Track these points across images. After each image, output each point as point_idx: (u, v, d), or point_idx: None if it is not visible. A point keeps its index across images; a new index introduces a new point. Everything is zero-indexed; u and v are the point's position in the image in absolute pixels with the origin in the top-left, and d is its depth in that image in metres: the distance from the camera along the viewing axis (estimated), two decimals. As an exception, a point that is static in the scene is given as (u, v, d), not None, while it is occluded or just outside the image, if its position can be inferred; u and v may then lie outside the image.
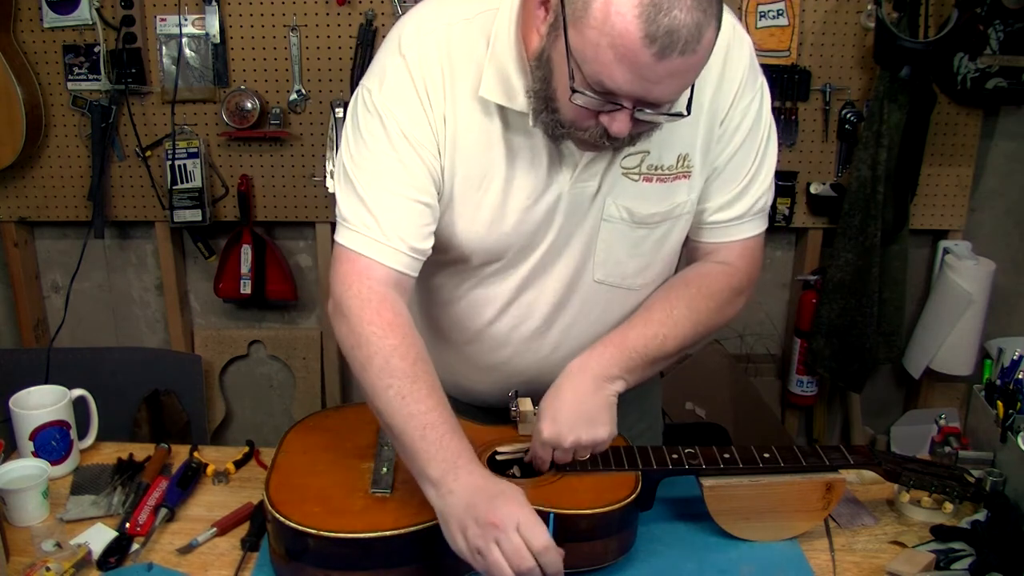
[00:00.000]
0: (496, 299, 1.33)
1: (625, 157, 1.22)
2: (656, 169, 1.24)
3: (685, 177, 1.26)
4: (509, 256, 1.29)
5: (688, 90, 1.08)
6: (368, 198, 1.20)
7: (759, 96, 1.26)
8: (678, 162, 1.25)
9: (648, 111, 1.06)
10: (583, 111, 1.08)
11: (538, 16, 1.10)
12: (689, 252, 1.41)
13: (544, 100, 1.12)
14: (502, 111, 1.20)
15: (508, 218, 1.25)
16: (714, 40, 1.02)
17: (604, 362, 1.26)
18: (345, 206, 1.23)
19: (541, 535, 1.05)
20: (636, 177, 1.24)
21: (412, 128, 1.19)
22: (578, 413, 1.23)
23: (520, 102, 1.16)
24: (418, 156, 1.20)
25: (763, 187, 1.32)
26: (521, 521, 1.05)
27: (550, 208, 1.24)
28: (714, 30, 1.01)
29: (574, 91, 1.05)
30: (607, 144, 1.12)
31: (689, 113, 1.09)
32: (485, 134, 1.21)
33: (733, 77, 1.23)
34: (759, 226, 1.35)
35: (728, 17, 1.22)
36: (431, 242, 1.24)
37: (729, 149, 1.27)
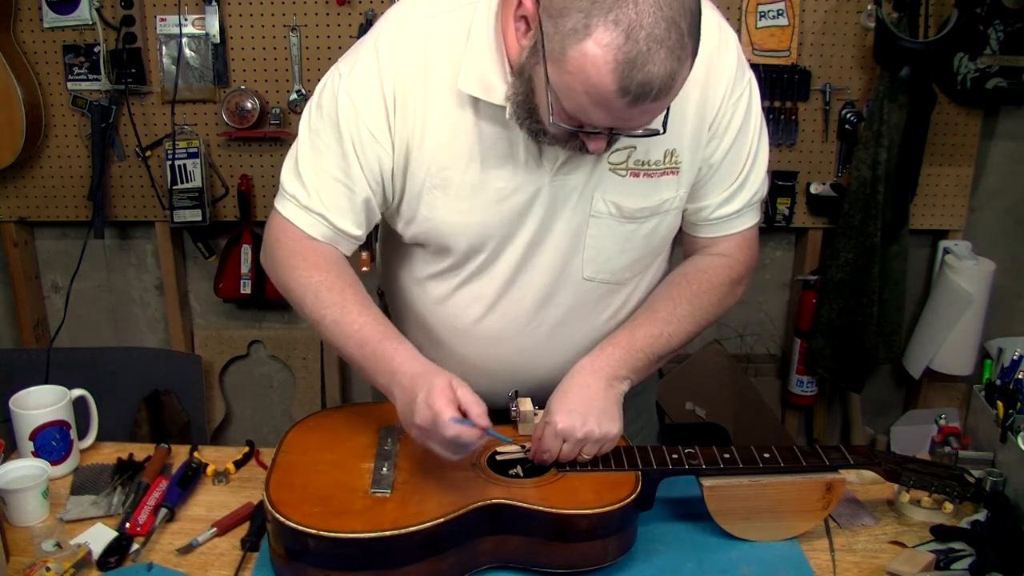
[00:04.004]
0: (483, 296, 1.35)
1: (612, 153, 1.25)
2: (643, 164, 1.26)
3: (672, 173, 1.28)
4: (490, 247, 1.31)
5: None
6: (303, 171, 1.28)
7: (748, 91, 1.29)
8: (665, 158, 1.27)
9: (624, 133, 1.12)
10: (563, 130, 1.12)
11: (518, 28, 1.12)
12: (687, 245, 1.44)
13: (527, 111, 1.15)
14: (478, 102, 1.22)
15: (486, 207, 1.27)
16: (689, 71, 1.05)
17: (613, 362, 1.29)
18: (285, 170, 1.31)
19: (446, 427, 1.13)
20: (623, 172, 1.26)
21: (367, 120, 1.23)
22: (591, 408, 1.25)
23: (497, 96, 1.18)
24: (362, 149, 1.24)
25: (759, 179, 1.35)
26: (436, 419, 1.13)
27: (529, 198, 1.26)
28: (689, 67, 1.04)
29: (552, 121, 1.09)
30: (588, 152, 1.16)
31: (664, 131, 1.12)
32: (461, 125, 1.23)
33: (721, 76, 1.25)
34: (755, 217, 1.39)
35: (713, 15, 1.24)
36: (359, 230, 1.30)
37: (724, 145, 1.29)
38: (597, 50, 0.99)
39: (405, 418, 1.19)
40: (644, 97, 1.01)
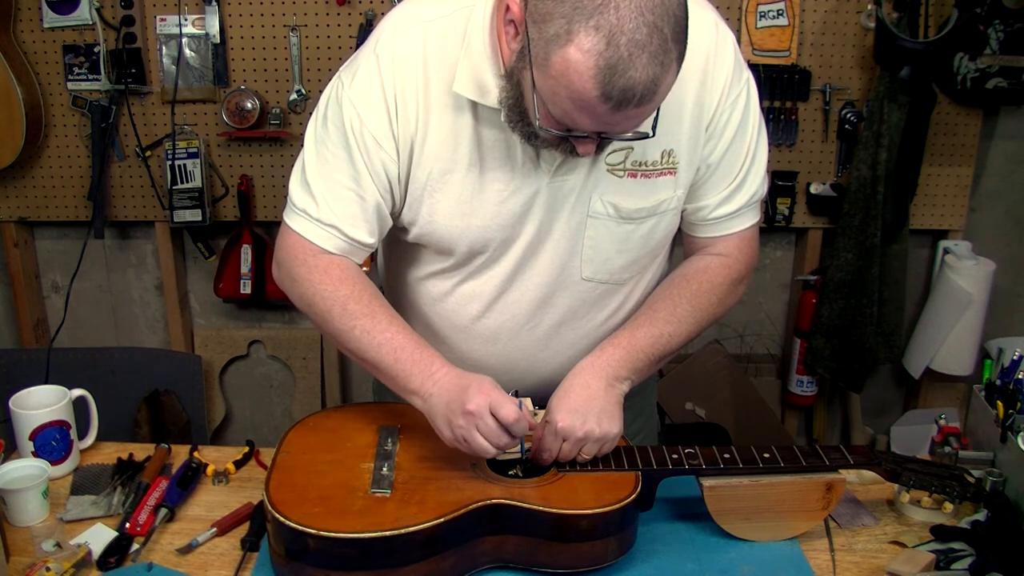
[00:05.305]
0: (482, 294, 1.35)
1: (610, 154, 1.25)
2: (640, 165, 1.27)
3: (670, 174, 1.28)
4: (491, 249, 1.31)
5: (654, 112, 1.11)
6: (312, 183, 1.27)
7: (745, 91, 1.29)
8: (662, 158, 1.27)
9: (613, 137, 1.13)
10: (552, 134, 1.12)
11: (507, 32, 1.13)
12: (687, 245, 1.44)
13: (518, 114, 1.15)
14: (476, 105, 1.22)
15: (486, 208, 1.27)
16: (675, 77, 1.05)
17: (614, 363, 1.29)
18: (292, 184, 1.31)
19: (510, 411, 1.17)
20: (621, 173, 1.27)
21: (371, 127, 1.23)
22: (591, 407, 1.25)
23: (492, 98, 1.19)
24: (368, 156, 1.24)
25: (758, 179, 1.35)
26: (492, 403, 1.17)
27: (528, 200, 1.27)
28: (674, 72, 1.04)
29: (539, 126, 1.10)
30: (579, 156, 1.16)
31: (654, 135, 1.13)
32: (459, 128, 1.24)
33: (718, 76, 1.25)
34: (754, 216, 1.39)
35: (709, 15, 1.24)
36: (372, 238, 1.30)
37: (721, 146, 1.29)
38: (578, 56, 0.99)
39: (450, 407, 1.20)
40: (627, 103, 1.01)
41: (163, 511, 1.33)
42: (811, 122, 2.60)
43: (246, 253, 2.72)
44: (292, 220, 1.31)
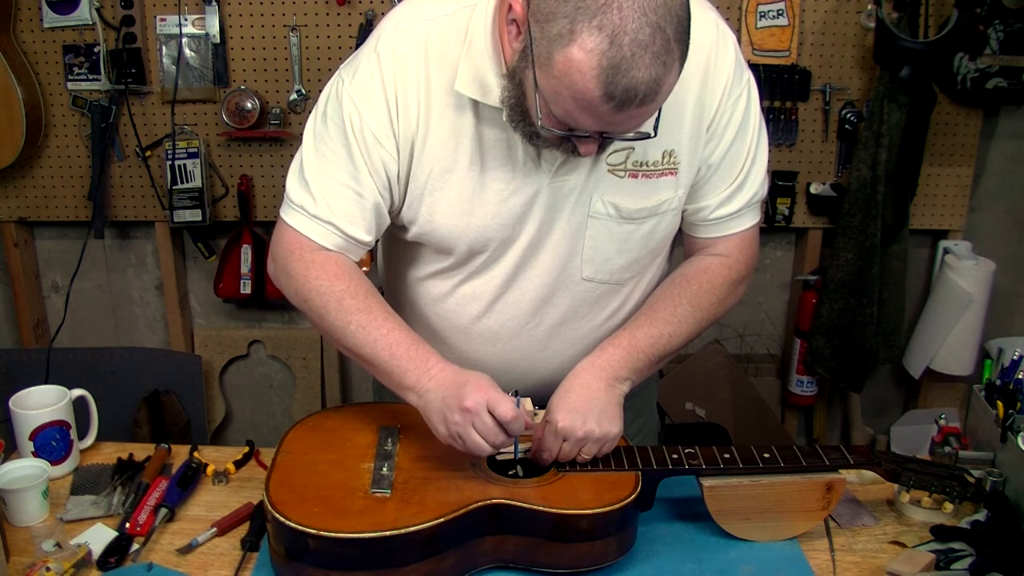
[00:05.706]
0: (482, 295, 1.35)
1: (611, 154, 1.25)
2: (641, 165, 1.27)
3: (671, 174, 1.28)
4: (491, 248, 1.31)
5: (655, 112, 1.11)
6: (310, 179, 1.27)
7: (746, 91, 1.29)
8: (663, 158, 1.27)
9: (615, 137, 1.13)
10: (554, 133, 1.12)
11: (509, 32, 1.13)
12: (687, 246, 1.44)
13: (520, 113, 1.15)
14: (478, 104, 1.22)
15: (486, 208, 1.27)
16: (677, 77, 1.05)
17: (615, 363, 1.29)
18: (290, 181, 1.31)
19: (507, 408, 1.16)
20: (622, 174, 1.27)
21: (371, 125, 1.23)
22: (591, 407, 1.25)
23: (494, 97, 1.19)
24: (367, 153, 1.24)
25: (758, 179, 1.35)
26: (489, 401, 1.16)
27: (528, 200, 1.27)
28: (676, 72, 1.04)
29: (541, 125, 1.10)
30: (581, 156, 1.16)
31: (656, 134, 1.12)
32: (460, 126, 1.24)
33: (718, 77, 1.25)
34: (755, 217, 1.39)
35: (710, 15, 1.24)
36: (369, 236, 1.30)
37: (722, 146, 1.29)
38: (581, 55, 0.99)
39: (446, 403, 1.19)
40: (629, 102, 1.02)
41: (163, 511, 1.33)
42: (811, 122, 2.60)
43: (246, 253, 2.72)
44: (289, 216, 1.30)
